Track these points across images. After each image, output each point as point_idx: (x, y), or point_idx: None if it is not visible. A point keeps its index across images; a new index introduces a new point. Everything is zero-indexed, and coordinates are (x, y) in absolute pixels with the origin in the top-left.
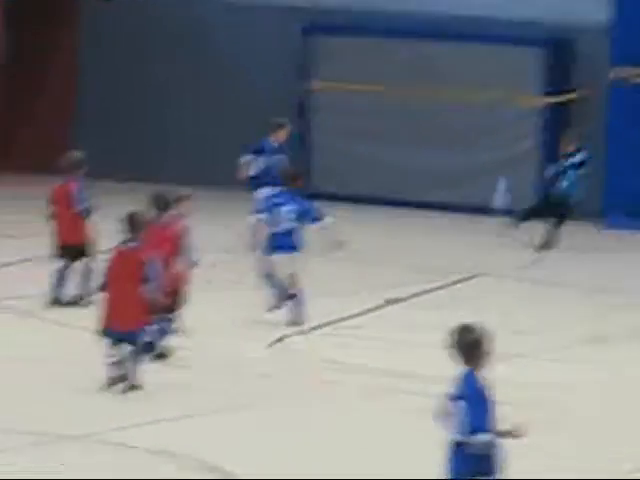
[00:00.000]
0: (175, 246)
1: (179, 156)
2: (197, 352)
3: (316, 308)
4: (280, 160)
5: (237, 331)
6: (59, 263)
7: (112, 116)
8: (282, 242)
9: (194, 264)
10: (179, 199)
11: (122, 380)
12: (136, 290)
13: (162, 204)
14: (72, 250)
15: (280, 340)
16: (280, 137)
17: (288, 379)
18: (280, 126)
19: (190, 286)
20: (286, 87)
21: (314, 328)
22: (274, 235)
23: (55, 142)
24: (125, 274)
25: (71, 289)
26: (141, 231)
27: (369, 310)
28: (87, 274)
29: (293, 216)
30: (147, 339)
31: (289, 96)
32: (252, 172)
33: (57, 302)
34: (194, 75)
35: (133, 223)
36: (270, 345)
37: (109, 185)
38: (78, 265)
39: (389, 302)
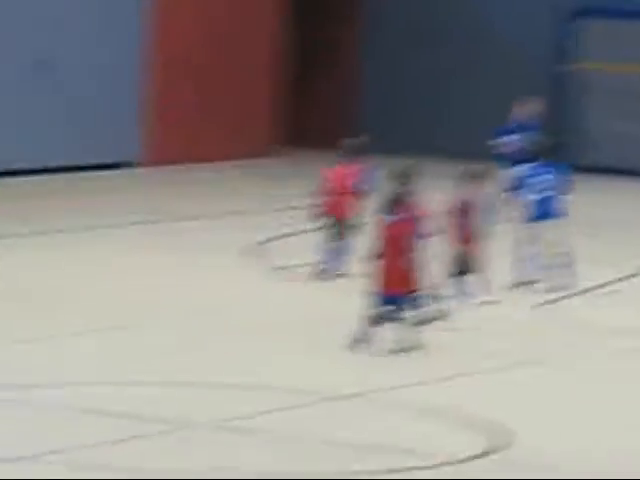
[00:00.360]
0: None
1: (450, 133)
2: (464, 314)
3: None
4: (533, 136)
5: (504, 294)
6: (331, 236)
7: (395, 97)
8: (546, 209)
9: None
10: (475, 175)
11: (396, 342)
12: (404, 258)
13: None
14: (344, 224)
15: (546, 303)
16: (530, 113)
17: (555, 340)
18: (530, 104)
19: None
20: (548, 67)
21: (575, 293)
22: (538, 202)
23: (344, 123)
24: (394, 244)
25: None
26: (402, 204)
27: (626, 277)
28: (345, 249)
29: (552, 184)
30: (417, 304)
31: (550, 76)
32: (508, 149)
33: (325, 272)
34: (467, 57)
35: (398, 199)
36: (535, 307)
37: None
38: (346, 239)
39: None
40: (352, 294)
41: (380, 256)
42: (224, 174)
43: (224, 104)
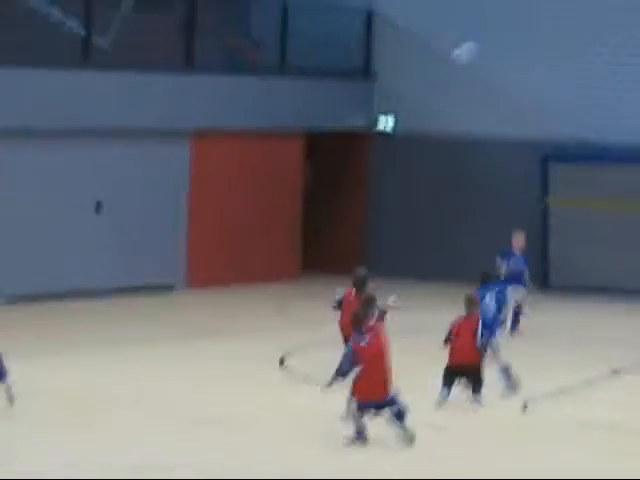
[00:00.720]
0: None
1: (449, 258)
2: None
3: None
4: (518, 262)
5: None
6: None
7: (398, 227)
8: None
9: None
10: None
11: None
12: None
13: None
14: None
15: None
16: (517, 244)
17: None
18: (517, 235)
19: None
20: (527, 204)
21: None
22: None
23: (350, 249)
24: (373, 360)
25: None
26: (367, 323)
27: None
28: None
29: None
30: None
31: (530, 212)
32: (501, 272)
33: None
34: (459, 195)
35: (362, 318)
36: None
37: (404, 282)
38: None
39: None
40: None
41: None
42: (253, 295)
43: (253, 238)
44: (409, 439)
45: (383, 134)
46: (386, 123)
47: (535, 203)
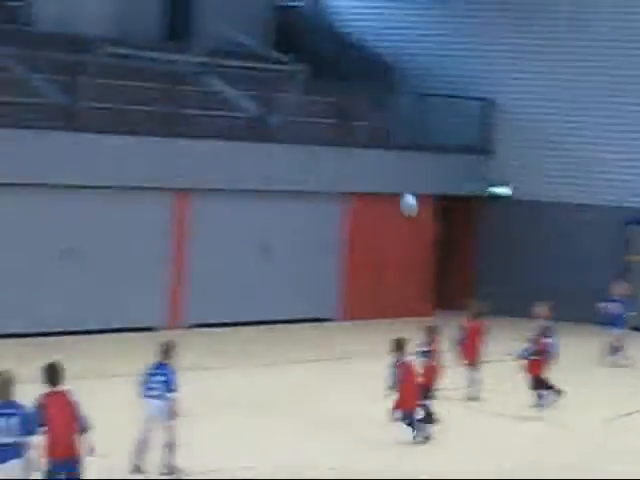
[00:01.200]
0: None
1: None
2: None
3: None
4: (616, 306)
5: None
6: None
7: (503, 272)
8: None
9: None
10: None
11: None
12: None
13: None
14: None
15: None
16: (619, 290)
17: None
18: (619, 282)
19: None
20: (611, 259)
21: None
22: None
23: (467, 289)
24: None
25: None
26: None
27: None
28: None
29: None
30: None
31: (614, 265)
32: (607, 314)
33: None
34: (556, 249)
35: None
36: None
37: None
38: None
39: None
40: (486, 414)
41: None
42: (395, 326)
43: (394, 280)
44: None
45: (496, 199)
46: (498, 190)
47: (618, 258)
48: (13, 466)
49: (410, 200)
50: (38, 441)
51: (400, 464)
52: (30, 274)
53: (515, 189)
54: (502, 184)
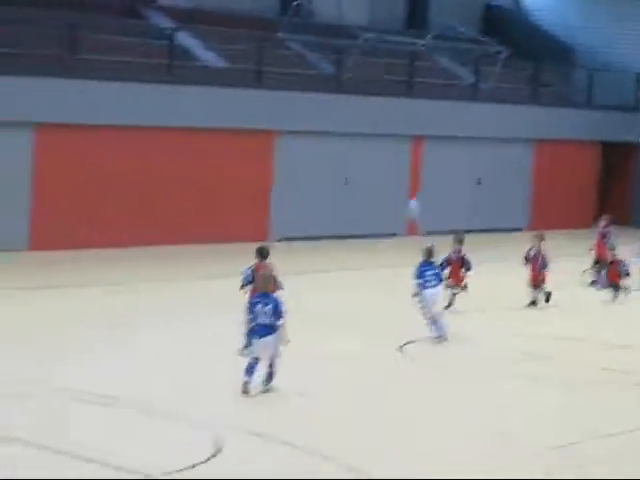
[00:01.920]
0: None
1: None
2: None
3: None
4: None
5: None
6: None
7: None
8: None
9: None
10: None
11: None
12: None
13: None
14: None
15: None
16: None
17: None
18: None
19: None
20: None
21: None
22: None
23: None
24: None
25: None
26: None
27: None
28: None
29: None
30: None
31: None
32: None
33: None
34: None
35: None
36: None
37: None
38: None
39: None
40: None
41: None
42: (559, 238)
43: (569, 195)
44: None
45: None
46: None
47: None
48: (269, 340)
49: (412, 205)
50: (284, 322)
51: None
52: None
53: None
54: None
